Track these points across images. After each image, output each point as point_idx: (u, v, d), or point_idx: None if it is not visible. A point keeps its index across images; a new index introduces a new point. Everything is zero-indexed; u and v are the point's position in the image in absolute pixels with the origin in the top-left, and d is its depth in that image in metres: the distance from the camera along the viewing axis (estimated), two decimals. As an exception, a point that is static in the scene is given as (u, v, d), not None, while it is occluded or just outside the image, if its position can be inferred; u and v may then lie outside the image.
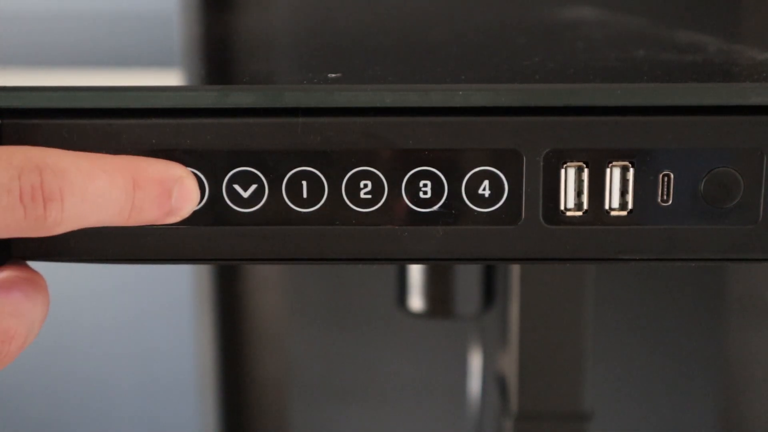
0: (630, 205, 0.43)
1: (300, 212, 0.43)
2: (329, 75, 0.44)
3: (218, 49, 0.62)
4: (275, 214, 0.43)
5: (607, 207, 0.43)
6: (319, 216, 0.43)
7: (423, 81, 0.45)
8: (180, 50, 0.55)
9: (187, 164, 0.43)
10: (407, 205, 0.43)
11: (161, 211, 0.42)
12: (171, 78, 0.50)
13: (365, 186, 0.43)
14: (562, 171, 0.43)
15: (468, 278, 0.73)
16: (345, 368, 1.15)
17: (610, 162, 0.43)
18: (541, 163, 0.43)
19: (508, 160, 0.43)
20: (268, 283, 1.15)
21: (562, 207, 0.43)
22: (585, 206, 0.43)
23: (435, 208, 0.43)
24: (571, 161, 0.43)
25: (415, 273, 0.73)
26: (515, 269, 0.65)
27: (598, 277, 0.69)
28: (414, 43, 0.61)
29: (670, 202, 0.43)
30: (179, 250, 0.44)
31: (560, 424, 0.69)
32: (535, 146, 0.42)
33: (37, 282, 0.43)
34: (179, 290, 1.23)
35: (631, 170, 0.43)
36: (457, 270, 0.73)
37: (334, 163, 0.43)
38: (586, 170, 0.43)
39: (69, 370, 1.34)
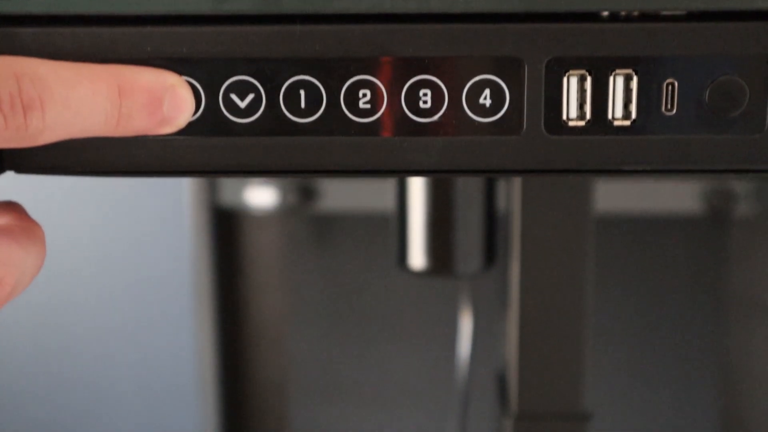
0: (633, 115, 0.42)
1: (298, 122, 0.43)
2: None
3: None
4: (273, 124, 0.43)
5: (610, 116, 0.42)
6: (317, 126, 0.43)
7: None
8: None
9: (183, 73, 0.42)
10: (407, 115, 0.42)
11: (153, 120, 0.41)
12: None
13: (364, 95, 0.42)
14: (565, 80, 0.42)
15: (469, 236, 0.72)
16: (344, 369, 1.14)
17: (613, 70, 0.42)
18: (543, 72, 0.42)
19: (509, 68, 0.42)
20: (268, 285, 1.15)
21: (564, 116, 0.42)
22: (588, 116, 0.42)
23: (435, 117, 0.42)
24: (574, 69, 0.42)
25: (416, 230, 0.72)
26: (516, 228, 0.65)
27: (599, 276, 0.69)
28: None
29: (674, 111, 0.42)
30: (174, 161, 0.43)
31: (560, 424, 0.68)
32: (537, 54, 0.42)
33: (33, 232, 0.42)
34: (179, 291, 1.23)
35: (635, 79, 0.42)
36: (458, 228, 0.72)
37: (332, 72, 0.42)
38: (588, 79, 0.42)
39: (69, 370, 1.33)
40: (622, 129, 0.42)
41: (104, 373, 1.33)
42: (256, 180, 1.08)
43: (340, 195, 1.08)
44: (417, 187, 0.71)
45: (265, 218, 1.13)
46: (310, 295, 1.13)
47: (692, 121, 0.42)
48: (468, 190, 0.72)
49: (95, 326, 1.31)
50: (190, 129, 0.43)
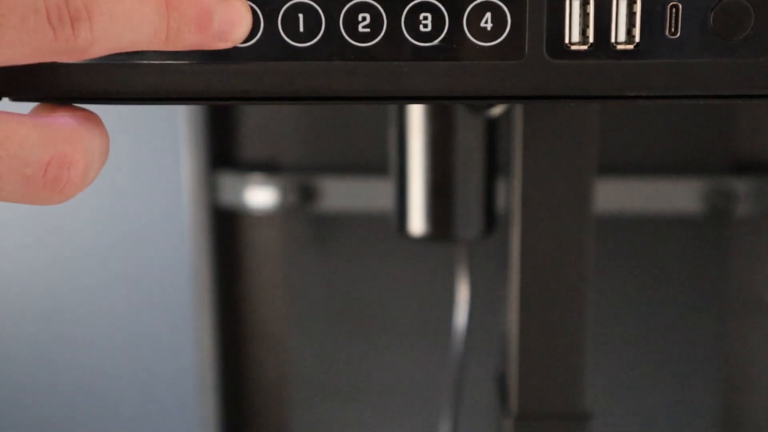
0: (637, 39, 0.42)
1: (296, 47, 0.42)
2: None
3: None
4: (271, 49, 0.42)
5: (613, 40, 0.42)
6: (316, 51, 0.42)
7: None
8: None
9: None
10: (407, 39, 0.42)
11: (204, 35, 0.40)
12: None
13: (363, 19, 0.42)
14: (567, 2, 0.41)
15: (469, 201, 0.72)
16: (344, 369, 1.14)
17: None
18: None
19: None
20: (268, 285, 1.15)
21: (566, 40, 0.42)
22: (590, 40, 0.42)
23: (436, 42, 0.42)
24: None
25: (416, 196, 0.72)
26: (516, 194, 0.64)
27: (598, 276, 0.69)
28: None
29: (678, 34, 0.42)
30: (168, 87, 0.43)
31: (560, 424, 0.68)
32: None
33: (91, 116, 0.41)
34: (179, 291, 1.23)
35: (638, 1, 0.41)
36: (458, 192, 0.71)
37: None
38: (591, 1, 0.41)
39: (69, 370, 1.33)
40: (625, 53, 0.42)
41: (103, 373, 1.33)
42: (256, 180, 1.08)
43: (340, 195, 1.08)
44: (417, 152, 0.71)
45: (265, 218, 1.13)
46: (310, 295, 1.13)
47: (696, 45, 0.42)
48: (468, 154, 0.71)
49: (94, 326, 1.31)
50: (183, 54, 0.42)
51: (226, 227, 1.13)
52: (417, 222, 0.72)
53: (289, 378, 1.15)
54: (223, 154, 1.10)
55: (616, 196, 1.04)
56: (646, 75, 0.42)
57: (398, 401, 1.13)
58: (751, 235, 1.07)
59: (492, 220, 0.74)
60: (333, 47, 0.42)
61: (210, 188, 1.09)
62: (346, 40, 0.42)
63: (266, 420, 1.18)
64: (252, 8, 0.41)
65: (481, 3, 0.42)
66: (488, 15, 0.42)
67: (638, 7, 0.41)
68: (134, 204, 1.25)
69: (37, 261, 1.30)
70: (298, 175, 1.08)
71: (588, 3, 0.41)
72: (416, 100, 0.44)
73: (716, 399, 1.10)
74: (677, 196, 1.04)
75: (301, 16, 0.42)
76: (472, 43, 0.42)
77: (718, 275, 1.08)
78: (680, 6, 0.41)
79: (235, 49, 0.42)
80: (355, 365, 1.14)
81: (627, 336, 1.10)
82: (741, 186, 1.03)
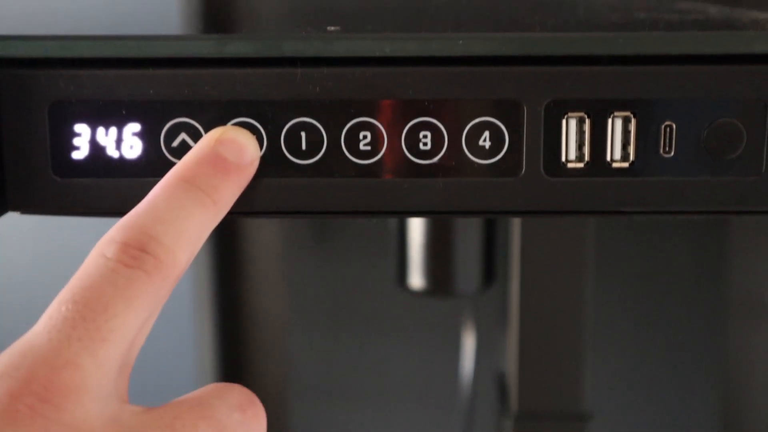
0: (632, 157, 0.42)
1: (298, 164, 0.43)
2: (329, 28, 0.44)
3: (218, 14, 0.62)
4: (273, 165, 0.43)
5: (608, 158, 0.43)
6: (318, 168, 0.43)
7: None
8: (179, 17, 0.55)
9: (182, 115, 0.42)
10: (407, 157, 0.43)
11: (231, 173, 0.41)
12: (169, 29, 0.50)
13: (364, 137, 0.43)
14: (564, 122, 0.42)
15: (468, 256, 0.73)
16: (344, 369, 1.14)
17: (612, 113, 0.42)
18: (543, 114, 0.42)
19: (509, 110, 0.42)
20: (268, 285, 1.15)
21: (563, 158, 0.43)
22: (586, 158, 0.43)
23: (435, 159, 0.43)
24: (573, 112, 0.42)
25: (415, 251, 0.72)
26: (516, 247, 0.65)
27: (598, 276, 0.69)
28: (413, 6, 0.61)
29: (672, 153, 0.42)
30: None
31: (560, 424, 0.68)
32: (536, 97, 0.42)
33: None
34: (179, 291, 1.23)
35: (633, 121, 0.42)
36: (457, 248, 0.72)
37: (333, 114, 0.42)
38: (587, 121, 0.42)
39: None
40: (620, 171, 0.43)
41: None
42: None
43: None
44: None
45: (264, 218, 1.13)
46: (310, 295, 1.13)
47: (690, 164, 0.43)
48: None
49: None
50: None
51: (226, 227, 1.13)
52: (416, 277, 0.73)
53: (289, 378, 1.16)
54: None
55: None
56: (641, 192, 0.43)
57: (398, 402, 1.14)
58: (751, 235, 1.07)
59: (491, 272, 0.75)
60: (334, 164, 0.43)
61: (210, 189, 1.09)
62: (348, 158, 0.43)
63: (266, 420, 1.18)
64: (256, 126, 0.42)
65: (479, 122, 0.42)
66: (486, 133, 0.43)
67: (633, 127, 0.42)
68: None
69: (38, 261, 1.30)
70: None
71: (584, 122, 0.42)
72: (415, 214, 0.46)
73: (717, 399, 1.10)
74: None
75: (303, 134, 0.43)
76: (471, 160, 0.43)
77: (718, 275, 1.08)
78: (674, 126, 0.42)
79: None
80: (355, 365, 1.14)
81: (627, 336, 1.10)
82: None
